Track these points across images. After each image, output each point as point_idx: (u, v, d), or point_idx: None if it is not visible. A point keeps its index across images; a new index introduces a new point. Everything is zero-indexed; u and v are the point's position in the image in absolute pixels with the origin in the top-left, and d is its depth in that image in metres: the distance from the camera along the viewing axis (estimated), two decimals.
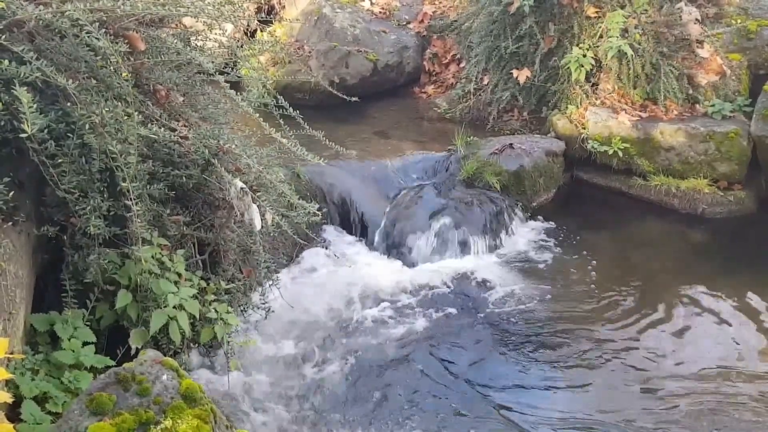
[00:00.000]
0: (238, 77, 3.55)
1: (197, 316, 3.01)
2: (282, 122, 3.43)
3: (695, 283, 4.51)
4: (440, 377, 3.74)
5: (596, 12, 5.64)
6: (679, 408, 3.52)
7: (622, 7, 5.56)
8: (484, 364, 3.86)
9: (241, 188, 2.98)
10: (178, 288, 2.97)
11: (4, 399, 1.74)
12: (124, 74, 2.62)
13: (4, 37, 2.41)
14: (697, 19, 5.46)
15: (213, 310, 3.15)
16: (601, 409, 3.51)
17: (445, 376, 3.75)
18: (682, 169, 5.35)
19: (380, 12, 7.24)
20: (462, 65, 6.62)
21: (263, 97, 3.45)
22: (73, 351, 2.63)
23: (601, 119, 5.49)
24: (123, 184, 2.56)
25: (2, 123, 2.48)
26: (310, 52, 6.55)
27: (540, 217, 5.27)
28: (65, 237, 2.81)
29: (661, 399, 3.59)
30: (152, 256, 2.92)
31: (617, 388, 3.67)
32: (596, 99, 5.66)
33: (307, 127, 3.47)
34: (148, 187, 2.83)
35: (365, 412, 3.47)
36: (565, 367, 3.83)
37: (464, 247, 4.83)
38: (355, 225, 4.99)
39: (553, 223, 5.20)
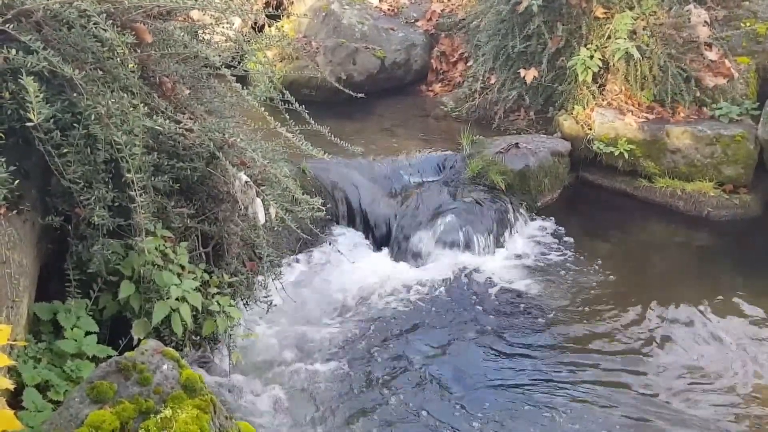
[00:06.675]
0: (245, 71, 3.56)
1: (200, 309, 3.02)
2: (288, 117, 3.43)
3: (699, 286, 4.51)
4: (441, 374, 3.74)
5: (604, 13, 5.63)
6: (679, 410, 3.52)
7: (631, 9, 5.55)
8: (485, 361, 3.86)
9: (246, 182, 2.99)
10: (181, 280, 2.98)
11: (5, 386, 1.75)
12: (130, 66, 2.63)
13: (12, 26, 2.42)
14: (705, 22, 5.44)
15: (215, 303, 3.15)
16: (599, 409, 3.51)
17: (445, 372, 3.76)
18: (688, 172, 5.34)
19: (388, 9, 7.25)
20: (469, 64, 6.61)
21: (270, 91, 3.45)
22: (76, 340, 2.64)
23: (608, 120, 5.48)
24: (128, 175, 2.57)
25: (9, 112, 2.49)
26: (317, 48, 6.56)
27: (544, 217, 5.27)
28: (70, 227, 2.81)
29: (660, 401, 3.59)
30: (156, 248, 2.93)
31: (616, 388, 3.67)
32: (603, 100, 5.65)
33: (313, 122, 3.47)
34: (152, 178, 2.84)
35: (365, 407, 3.48)
36: (565, 366, 3.83)
37: (468, 245, 4.83)
38: (360, 222, 4.99)
39: (557, 223, 5.20)
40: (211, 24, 3.26)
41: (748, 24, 5.72)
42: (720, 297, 4.39)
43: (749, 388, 3.68)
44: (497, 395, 3.61)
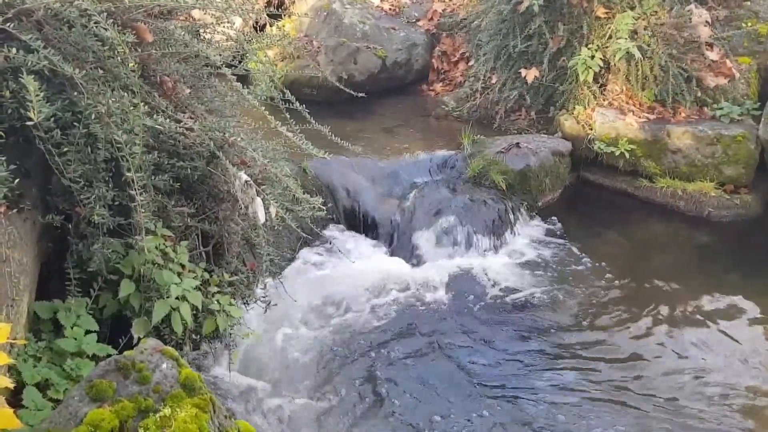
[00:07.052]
0: (246, 71, 3.55)
1: (200, 308, 3.02)
2: (288, 117, 3.43)
3: (700, 286, 4.50)
4: (442, 374, 3.74)
5: (606, 13, 5.63)
6: (681, 408, 3.52)
7: (632, 8, 5.55)
8: (486, 360, 3.87)
9: (246, 181, 2.98)
10: (181, 279, 2.97)
11: (5, 384, 1.74)
12: (131, 65, 2.62)
13: (12, 25, 2.42)
14: (707, 22, 5.44)
15: (216, 302, 3.15)
16: (600, 409, 3.51)
17: (446, 373, 3.76)
18: (689, 172, 5.34)
19: (390, 9, 7.25)
20: (470, 63, 6.62)
21: (270, 91, 3.45)
22: (76, 339, 2.63)
23: (609, 120, 5.48)
24: (128, 174, 2.56)
25: (9, 111, 2.49)
26: (318, 48, 6.56)
27: (545, 217, 5.27)
28: (70, 226, 2.81)
29: (662, 399, 3.58)
30: (156, 247, 2.92)
31: (618, 386, 3.66)
32: (604, 100, 5.65)
33: (314, 122, 3.47)
34: (153, 177, 2.83)
35: (364, 406, 3.48)
36: (567, 364, 3.83)
37: (469, 245, 4.83)
38: (361, 222, 5.00)
39: (558, 223, 5.20)
40: (212, 23, 3.26)
41: (749, 24, 5.71)
42: (721, 297, 4.39)
43: (751, 386, 3.68)
44: (497, 395, 3.61)
